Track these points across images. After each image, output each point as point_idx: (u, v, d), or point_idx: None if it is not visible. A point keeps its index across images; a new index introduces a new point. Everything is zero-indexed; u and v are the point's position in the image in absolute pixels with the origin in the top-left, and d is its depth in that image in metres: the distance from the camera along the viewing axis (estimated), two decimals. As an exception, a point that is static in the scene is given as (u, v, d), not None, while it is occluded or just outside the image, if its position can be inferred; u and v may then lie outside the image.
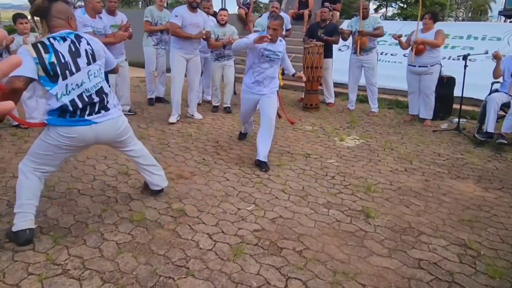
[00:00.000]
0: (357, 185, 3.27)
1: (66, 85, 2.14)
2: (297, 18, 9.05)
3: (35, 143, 2.34)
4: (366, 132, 4.84)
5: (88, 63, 2.24)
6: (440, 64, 5.09)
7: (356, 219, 2.70)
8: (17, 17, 4.33)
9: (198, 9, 4.69)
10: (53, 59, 2.09)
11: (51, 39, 2.14)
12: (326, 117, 5.53)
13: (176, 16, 4.55)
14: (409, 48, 5.17)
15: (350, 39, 5.75)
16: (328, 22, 5.97)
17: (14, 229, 2.24)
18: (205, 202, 2.88)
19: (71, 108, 2.17)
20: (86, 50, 2.24)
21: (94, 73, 2.27)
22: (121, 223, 2.53)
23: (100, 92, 2.30)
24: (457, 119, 5.17)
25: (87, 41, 2.28)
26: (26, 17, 4.38)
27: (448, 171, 3.64)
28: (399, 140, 4.57)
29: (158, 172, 2.83)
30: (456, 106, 5.45)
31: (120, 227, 2.48)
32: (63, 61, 2.13)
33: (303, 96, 6.06)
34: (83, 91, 2.21)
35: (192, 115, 5.18)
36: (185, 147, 4.07)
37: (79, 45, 2.22)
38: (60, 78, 2.12)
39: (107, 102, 2.35)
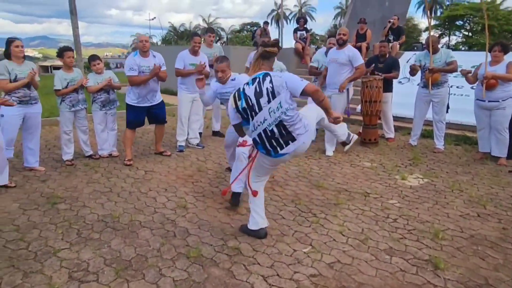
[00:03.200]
0: (422, 230, 3.03)
1: (253, 123, 2.56)
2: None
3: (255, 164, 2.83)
4: (431, 171, 4.54)
5: (269, 101, 2.48)
6: None
7: (423, 270, 2.48)
8: (91, 60, 4.82)
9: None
10: (244, 105, 2.56)
11: (245, 85, 2.60)
12: (386, 153, 5.29)
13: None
14: (477, 82, 4.84)
15: (418, 72, 5.47)
16: (387, 56, 5.84)
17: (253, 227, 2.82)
18: (260, 241, 2.84)
19: (259, 141, 2.59)
20: (267, 89, 2.49)
21: (274, 110, 2.48)
22: (178, 259, 2.57)
23: (279, 125, 2.50)
24: (537, 158, 4.68)
25: (271, 78, 2.51)
26: (99, 58, 4.86)
27: (530, 218, 3.25)
28: (469, 180, 4.20)
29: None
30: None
31: (177, 263, 2.51)
32: (250, 104, 2.53)
33: (361, 131, 5.89)
34: (266, 127, 2.52)
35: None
36: (241, 182, 4.10)
37: (263, 85, 2.50)
38: (250, 119, 2.57)
39: (290, 132, 2.52)
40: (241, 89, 2.58)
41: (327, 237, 2.91)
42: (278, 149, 2.55)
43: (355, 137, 3.64)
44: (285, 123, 2.49)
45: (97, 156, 4.85)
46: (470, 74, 4.93)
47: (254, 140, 2.64)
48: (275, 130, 2.50)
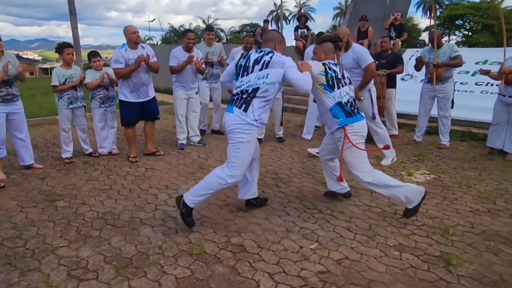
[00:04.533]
0: (432, 226, 2.94)
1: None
2: (357, 49, 8.91)
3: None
4: (437, 167, 4.45)
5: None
6: None
7: (434, 266, 2.39)
8: (91, 56, 4.72)
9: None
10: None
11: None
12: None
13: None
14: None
15: (423, 68, 5.37)
16: (389, 52, 5.75)
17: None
18: (265, 237, 2.75)
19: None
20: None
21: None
22: (180, 256, 2.48)
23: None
24: (546, 154, 4.58)
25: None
26: (99, 55, 4.77)
27: (542, 214, 3.16)
28: (477, 176, 4.11)
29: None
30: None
31: (180, 260, 2.42)
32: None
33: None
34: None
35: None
36: (243, 179, 4.01)
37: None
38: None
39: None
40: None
41: (334, 233, 2.82)
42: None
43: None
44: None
45: (97, 154, 4.76)
46: (492, 72, 4.78)
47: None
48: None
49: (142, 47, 4.54)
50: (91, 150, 4.79)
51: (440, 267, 2.38)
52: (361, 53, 4.25)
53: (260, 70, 2.77)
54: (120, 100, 4.54)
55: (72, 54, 4.55)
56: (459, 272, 2.32)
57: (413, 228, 2.91)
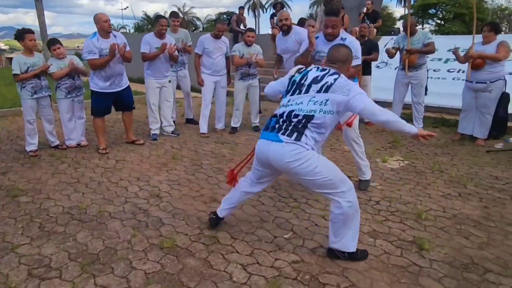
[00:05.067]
0: (405, 212, 2.95)
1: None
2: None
3: None
4: (410, 153, 4.50)
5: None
6: (504, 79, 4.58)
7: (407, 252, 2.40)
8: (50, 44, 4.46)
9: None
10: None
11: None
12: (365, 137, 5.20)
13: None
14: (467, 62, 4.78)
15: (398, 55, 5.41)
16: (366, 38, 5.74)
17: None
18: (239, 228, 2.69)
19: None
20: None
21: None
22: (150, 250, 2.38)
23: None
24: (513, 139, 4.72)
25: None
26: (59, 42, 4.51)
27: (510, 197, 3.23)
28: (448, 161, 4.18)
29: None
30: (511, 124, 4.99)
31: (150, 255, 2.33)
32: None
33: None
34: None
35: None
36: (218, 169, 3.93)
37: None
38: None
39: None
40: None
41: (309, 222, 2.79)
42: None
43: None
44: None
45: (64, 146, 4.54)
46: (458, 52, 4.84)
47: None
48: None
49: (114, 35, 4.35)
50: (58, 142, 4.56)
51: (413, 252, 2.39)
52: (303, 34, 4.20)
53: (318, 92, 2.18)
54: (91, 91, 4.35)
55: (35, 40, 4.29)
56: (431, 257, 2.34)
57: (387, 214, 2.92)
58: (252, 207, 3.02)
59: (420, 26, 33.26)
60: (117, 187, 3.40)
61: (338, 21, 3.14)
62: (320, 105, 2.16)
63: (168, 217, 2.83)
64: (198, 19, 53.59)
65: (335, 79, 2.19)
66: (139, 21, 45.86)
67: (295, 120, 2.17)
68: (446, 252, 2.39)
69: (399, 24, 35.10)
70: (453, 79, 6.71)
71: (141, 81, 8.59)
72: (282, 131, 2.18)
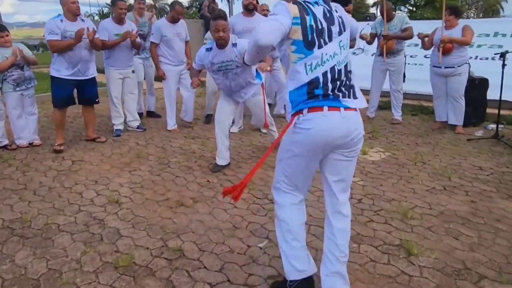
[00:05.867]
0: (389, 210, 2.73)
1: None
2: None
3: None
4: (391, 143, 4.30)
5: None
6: (469, 63, 4.55)
7: (395, 258, 2.16)
8: None
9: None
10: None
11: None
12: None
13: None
14: (432, 48, 4.63)
15: (375, 42, 5.19)
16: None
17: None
18: (208, 237, 2.38)
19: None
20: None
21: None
22: (103, 271, 2.04)
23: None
24: (493, 125, 4.61)
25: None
26: (6, 29, 4.01)
27: (496, 189, 3.07)
28: (430, 151, 4.00)
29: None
30: (490, 110, 4.89)
31: (102, 277, 1.99)
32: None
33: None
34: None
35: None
36: (187, 167, 3.59)
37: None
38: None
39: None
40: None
41: (286, 226, 2.51)
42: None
43: None
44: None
45: (14, 146, 4.07)
46: (427, 39, 4.70)
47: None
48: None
49: (82, 19, 3.92)
50: (7, 142, 4.08)
51: (401, 258, 2.16)
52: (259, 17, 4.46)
53: (339, 33, 1.72)
54: (52, 77, 3.91)
55: None
56: (420, 263, 2.11)
57: (371, 214, 2.68)
58: (224, 212, 2.71)
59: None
60: (71, 193, 3.01)
61: (226, 25, 3.16)
62: (346, 48, 1.74)
63: (127, 227, 2.49)
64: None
65: (337, 11, 1.76)
66: (103, 8, 43.78)
67: (344, 77, 1.70)
68: (436, 256, 2.18)
69: (372, 10, 35.31)
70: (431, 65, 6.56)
71: (103, 71, 7.98)
72: (345, 95, 1.69)
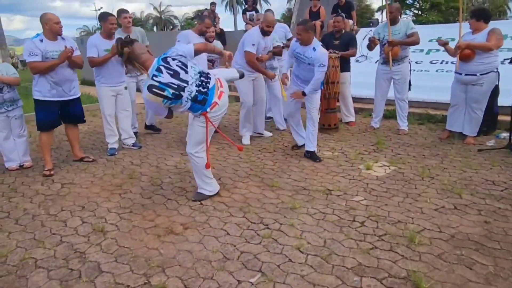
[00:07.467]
0: (395, 235, 2.50)
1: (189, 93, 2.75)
2: (308, 30, 8.42)
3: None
4: (396, 156, 4.06)
5: (186, 72, 2.73)
6: (497, 72, 4.13)
7: (401, 294, 1.94)
8: None
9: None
10: (171, 91, 2.65)
11: (154, 77, 2.62)
12: (347, 139, 4.78)
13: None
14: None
15: (377, 48, 4.93)
16: (343, 32, 5.28)
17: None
18: (195, 271, 2.18)
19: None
20: (177, 65, 2.70)
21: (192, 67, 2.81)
22: (77, 315, 1.86)
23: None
24: (505, 134, 4.36)
25: (172, 58, 2.70)
26: None
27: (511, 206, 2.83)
28: (438, 164, 3.76)
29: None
30: (501, 117, 4.62)
31: (74, 323, 1.80)
32: (176, 86, 2.66)
33: (319, 116, 5.33)
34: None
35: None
36: (180, 188, 3.41)
37: (171, 65, 2.67)
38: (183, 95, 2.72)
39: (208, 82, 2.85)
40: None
41: (282, 256, 2.30)
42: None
43: None
44: None
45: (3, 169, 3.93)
46: (448, 45, 4.42)
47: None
48: None
49: (63, 38, 3.81)
50: (-4, 165, 3.96)
51: (408, 294, 1.94)
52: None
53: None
54: (35, 100, 3.77)
55: None
56: (430, 300, 1.89)
57: (375, 239, 2.46)
58: (215, 239, 2.52)
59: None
60: (55, 221, 2.84)
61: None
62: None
63: (109, 261, 2.30)
64: (175, 17, 52.57)
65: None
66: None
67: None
68: (448, 291, 1.95)
69: (377, 16, 35.07)
70: (437, 71, 6.33)
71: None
72: None
